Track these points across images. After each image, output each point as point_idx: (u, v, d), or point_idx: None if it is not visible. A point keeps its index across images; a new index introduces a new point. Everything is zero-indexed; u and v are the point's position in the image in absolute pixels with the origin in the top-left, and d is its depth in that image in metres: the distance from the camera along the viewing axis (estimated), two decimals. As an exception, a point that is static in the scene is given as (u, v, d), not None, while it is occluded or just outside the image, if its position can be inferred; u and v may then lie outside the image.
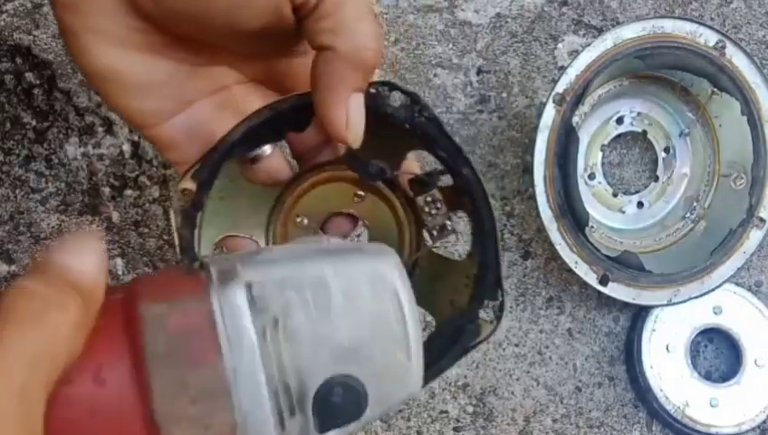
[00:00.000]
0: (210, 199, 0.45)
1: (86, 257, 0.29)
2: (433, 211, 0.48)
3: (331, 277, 0.31)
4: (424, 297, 0.44)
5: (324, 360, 0.31)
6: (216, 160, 0.42)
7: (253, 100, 0.44)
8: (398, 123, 0.43)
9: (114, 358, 0.29)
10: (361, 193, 0.50)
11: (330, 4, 0.36)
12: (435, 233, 0.48)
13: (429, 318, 0.49)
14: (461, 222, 0.51)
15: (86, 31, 0.38)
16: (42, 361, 0.27)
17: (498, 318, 0.45)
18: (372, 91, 0.42)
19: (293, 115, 0.42)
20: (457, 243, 0.66)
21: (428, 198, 0.48)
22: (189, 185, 0.43)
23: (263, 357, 0.30)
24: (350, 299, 0.31)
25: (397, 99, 0.43)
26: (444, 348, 0.45)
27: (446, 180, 0.47)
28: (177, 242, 0.48)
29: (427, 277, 0.50)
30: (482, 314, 0.45)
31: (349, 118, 0.39)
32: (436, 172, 0.47)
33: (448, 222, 0.48)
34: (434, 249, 0.49)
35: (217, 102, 0.43)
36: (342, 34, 0.37)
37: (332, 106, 0.38)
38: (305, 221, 0.50)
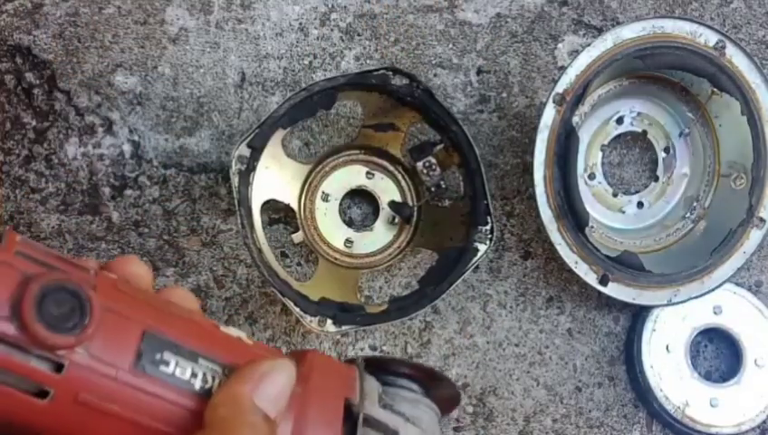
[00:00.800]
0: (258, 169, 0.60)
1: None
2: (430, 173, 0.63)
3: None
4: (428, 240, 0.64)
5: None
6: (265, 131, 0.58)
7: None
8: (401, 97, 0.60)
9: None
10: (372, 172, 0.67)
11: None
12: (432, 190, 0.64)
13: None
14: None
15: None
16: None
17: (490, 239, 0.60)
18: (379, 73, 0.58)
19: (322, 95, 0.57)
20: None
21: (426, 163, 0.63)
22: (244, 151, 0.58)
23: None
24: None
25: (398, 79, 0.60)
26: (448, 270, 0.60)
27: (437, 148, 0.63)
28: (235, 198, 0.58)
29: (430, 224, 0.65)
30: (476, 236, 0.60)
31: None
32: (430, 142, 0.63)
33: (442, 181, 0.63)
34: (432, 202, 0.64)
35: None
36: None
37: None
38: (330, 196, 0.66)
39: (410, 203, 0.66)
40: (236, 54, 0.68)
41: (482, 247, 0.61)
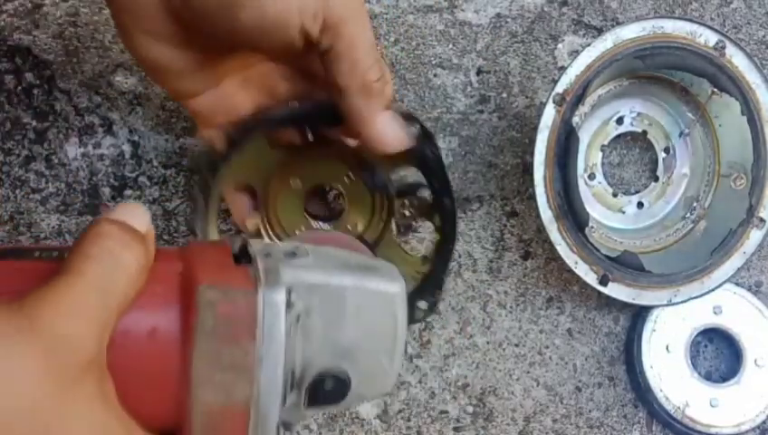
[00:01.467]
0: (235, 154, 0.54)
1: (139, 217, 0.36)
2: (406, 213, 0.59)
3: (349, 292, 0.38)
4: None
5: (326, 355, 0.37)
6: (249, 127, 0.53)
7: (273, 76, 0.54)
8: (411, 151, 0.52)
9: (168, 324, 0.35)
10: (352, 177, 0.60)
11: (341, 48, 0.45)
12: (402, 229, 0.60)
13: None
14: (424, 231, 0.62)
15: (138, 30, 0.47)
16: (117, 296, 0.33)
17: (430, 311, 0.57)
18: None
19: (331, 114, 0.51)
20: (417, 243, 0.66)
21: (406, 202, 0.59)
22: (221, 144, 0.54)
23: (285, 349, 0.36)
24: (359, 312, 0.38)
25: (415, 131, 0.51)
26: None
27: (424, 193, 0.58)
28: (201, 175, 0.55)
29: (384, 256, 0.59)
30: (419, 303, 0.56)
31: (381, 136, 0.49)
32: (421, 185, 0.58)
33: (415, 223, 0.61)
34: (396, 239, 0.60)
35: (240, 81, 0.53)
36: (352, 76, 0.46)
37: (364, 130, 0.48)
38: (298, 183, 0.60)
39: (374, 227, 0.61)
40: (236, 54, 0.68)
41: (419, 315, 0.57)
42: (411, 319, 0.55)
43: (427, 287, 0.57)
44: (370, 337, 0.39)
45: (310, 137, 0.59)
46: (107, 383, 0.34)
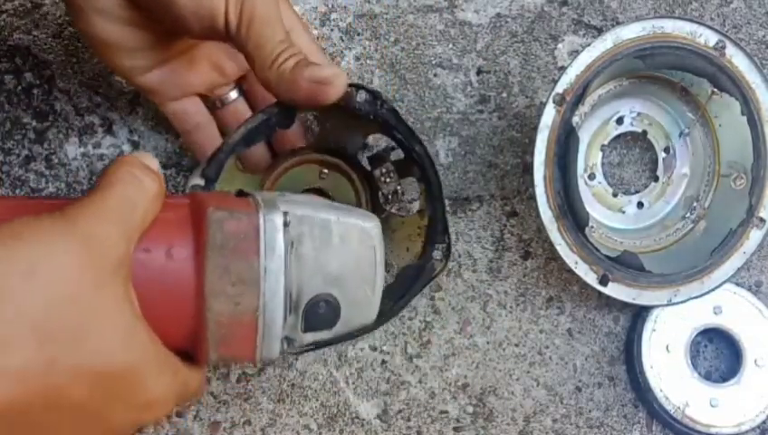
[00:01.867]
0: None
1: (151, 160, 0.42)
2: (387, 180, 0.61)
3: (334, 223, 0.44)
4: (385, 247, 0.59)
5: (317, 280, 0.43)
6: (221, 159, 0.54)
7: (219, 55, 0.59)
8: (364, 115, 0.55)
9: (183, 242, 0.41)
10: (326, 172, 0.63)
11: (243, 24, 0.49)
12: (389, 197, 0.62)
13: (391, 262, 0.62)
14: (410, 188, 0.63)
15: (90, 9, 0.51)
16: (139, 212, 0.39)
17: (447, 257, 0.60)
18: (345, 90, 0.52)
19: (281, 116, 0.54)
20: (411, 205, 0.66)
21: (383, 170, 0.61)
22: (199, 181, 0.55)
23: (285, 266, 0.41)
24: (343, 243, 0.44)
25: (363, 96, 0.55)
26: (409, 284, 0.60)
27: (397, 154, 0.60)
28: None
29: (386, 232, 0.59)
30: (434, 254, 0.60)
31: (313, 90, 0.50)
32: (389, 148, 0.61)
33: (399, 187, 0.62)
34: (388, 209, 0.62)
35: (189, 59, 0.58)
36: (258, 50, 0.50)
37: (296, 94, 0.51)
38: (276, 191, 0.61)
39: (364, 207, 0.63)
40: (236, 54, 0.68)
41: (438, 266, 0.60)
42: (431, 272, 0.60)
43: (433, 235, 0.60)
44: (354, 266, 0.44)
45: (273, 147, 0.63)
46: (132, 292, 0.39)
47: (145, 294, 0.39)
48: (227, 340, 0.41)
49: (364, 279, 0.45)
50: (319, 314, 0.43)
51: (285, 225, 0.42)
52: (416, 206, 0.64)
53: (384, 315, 0.60)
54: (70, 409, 0.36)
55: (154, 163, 0.42)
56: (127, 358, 0.38)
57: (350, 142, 0.62)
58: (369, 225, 0.46)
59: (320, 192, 0.63)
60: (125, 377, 0.38)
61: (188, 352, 0.43)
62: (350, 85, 0.54)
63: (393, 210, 0.63)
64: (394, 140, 0.59)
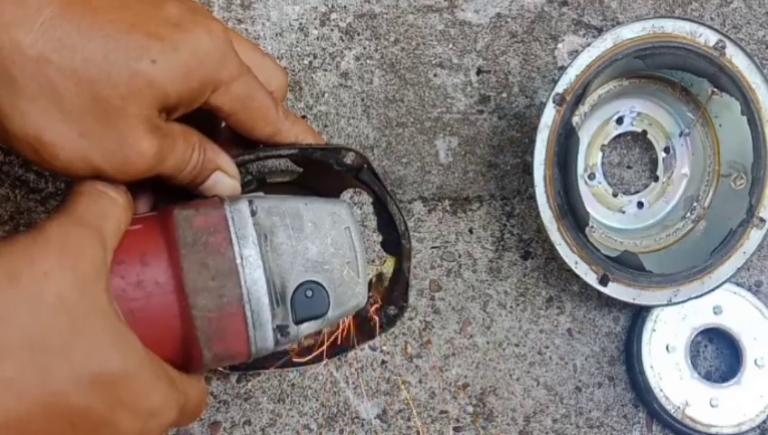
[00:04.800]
0: None
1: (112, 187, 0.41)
2: None
3: (303, 210, 0.44)
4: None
5: (299, 268, 0.43)
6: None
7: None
8: (349, 173, 0.54)
9: (155, 247, 0.41)
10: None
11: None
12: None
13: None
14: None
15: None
16: (112, 221, 0.39)
17: (396, 318, 0.58)
18: (330, 154, 0.52)
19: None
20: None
21: None
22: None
23: (261, 255, 0.42)
24: (316, 228, 0.44)
25: (351, 158, 0.53)
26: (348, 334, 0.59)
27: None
28: None
29: None
30: (387, 310, 0.58)
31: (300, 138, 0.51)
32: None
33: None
34: None
35: None
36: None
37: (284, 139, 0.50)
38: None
39: None
40: (236, 54, 0.68)
41: (386, 324, 0.59)
42: (380, 326, 0.58)
43: (394, 293, 0.58)
44: (332, 250, 0.45)
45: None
46: (114, 303, 0.38)
47: (127, 307, 0.39)
48: (219, 334, 0.41)
49: (346, 260, 0.45)
50: (307, 301, 0.43)
51: (253, 213, 0.42)
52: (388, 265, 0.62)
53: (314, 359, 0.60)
54: (73, 417, 0.36)
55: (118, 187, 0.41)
56: (121, 362, 0.37)
57: (328, 187, 0.61)
58: (339, 206, 0.46)
59: None
60: (123, 381, 0.37)
61: (183, 365, 0.42)
62: (342, 148, 0.53)
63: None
64: (373, 195, 0.57)
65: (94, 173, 0.40)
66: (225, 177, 0.46)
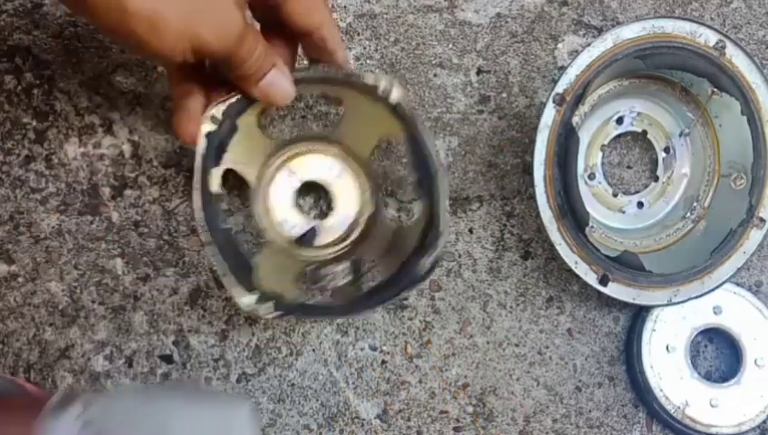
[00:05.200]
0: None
1: None
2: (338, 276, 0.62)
3: (169, 424, 0.30)
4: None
5: None
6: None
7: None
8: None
9: None
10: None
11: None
12: (321, 278, 0.62)
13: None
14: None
15: None
16: None
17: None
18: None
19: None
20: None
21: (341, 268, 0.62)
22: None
23: None
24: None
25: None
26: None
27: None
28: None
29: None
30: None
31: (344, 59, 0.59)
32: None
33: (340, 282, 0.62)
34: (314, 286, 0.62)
35: None
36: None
37: (338, 55, 0.59)
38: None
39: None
40: (236, 54, 0.68)
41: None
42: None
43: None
44: None
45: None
46: None
47: None
48: None
49: None
50: None
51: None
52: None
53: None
54: None
55: None
56: None
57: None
58: (234, 415, 0.36)
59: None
60: None
61: None
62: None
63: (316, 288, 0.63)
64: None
65: (195, 49, 0.47)
66: (281, 76, 0.54)
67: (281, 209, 0.64)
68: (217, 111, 0.56)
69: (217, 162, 0.58)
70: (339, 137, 0.64)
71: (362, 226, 0.64)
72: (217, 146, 0.57)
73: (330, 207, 0.65)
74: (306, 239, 0.63)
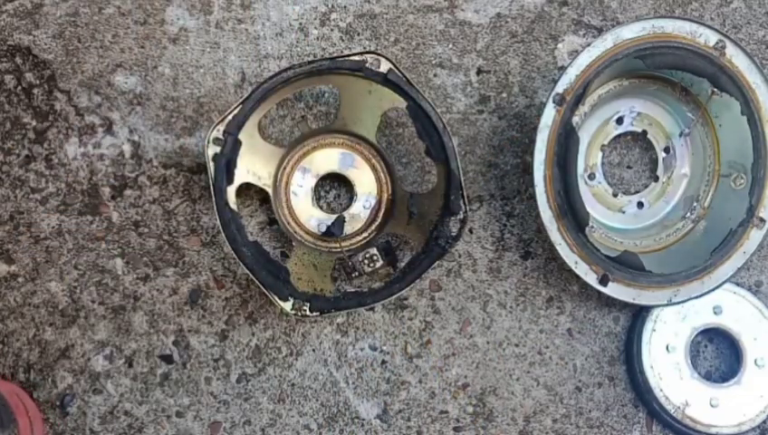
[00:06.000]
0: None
1: None
2: (368, 265, 0.65)
3: None
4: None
5: None
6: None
7: None
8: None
9: None
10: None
11: None
12: (358, 270, 0.65)
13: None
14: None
15: None
16: None
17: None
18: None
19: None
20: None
21: (367, 254, 0.65)
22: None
23: None
24: None
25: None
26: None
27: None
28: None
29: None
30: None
31: None
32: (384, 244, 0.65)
33: (373, 270, 0.65)
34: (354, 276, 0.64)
35: None
36: None
37: None
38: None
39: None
40: (236, 54, 0.68)
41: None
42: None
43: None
44: None
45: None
46: None
47: None
48: None
49: None
50: None
51: None
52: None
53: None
54: None
55: None
56: None
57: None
58: None
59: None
60: None
61: None
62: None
63: (354, 277, 0.66)
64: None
65: None
66: None
67: (303, 208, 0.66)
68: (218, 131, 0.60)
69: (230, 180, 0.61)
70: (342, 125, 0.65)
71: (385, 206, 0.66)
72: (226, 164, 0.60)
73: (351, 196, 0.67)
74: (335, 230, 0.65)
